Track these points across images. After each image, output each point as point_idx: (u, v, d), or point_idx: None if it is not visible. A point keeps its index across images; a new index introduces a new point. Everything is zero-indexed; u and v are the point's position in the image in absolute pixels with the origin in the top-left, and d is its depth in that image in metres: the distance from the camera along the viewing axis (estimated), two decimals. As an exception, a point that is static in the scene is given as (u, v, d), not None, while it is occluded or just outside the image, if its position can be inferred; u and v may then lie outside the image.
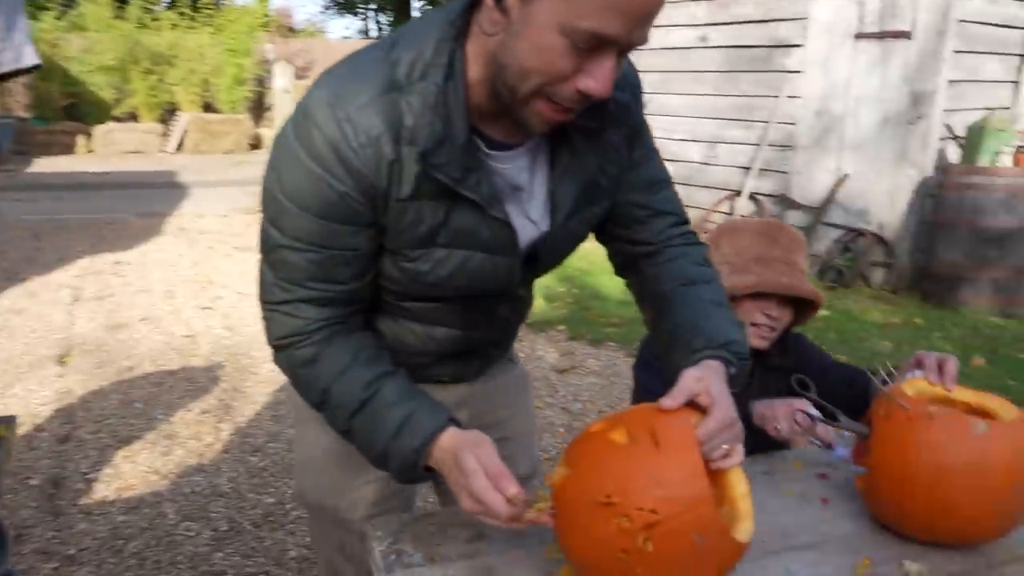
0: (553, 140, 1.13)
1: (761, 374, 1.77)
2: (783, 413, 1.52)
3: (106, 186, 10.62)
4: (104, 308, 5.25)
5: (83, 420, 3.57)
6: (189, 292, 5.71)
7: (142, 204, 9.18)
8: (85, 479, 3.07)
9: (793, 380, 1.42)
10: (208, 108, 15.73)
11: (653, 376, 1.73)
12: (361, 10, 33.30)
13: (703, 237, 1.46)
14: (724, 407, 1.03)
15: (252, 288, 3.08)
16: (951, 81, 5.99)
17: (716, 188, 7.49)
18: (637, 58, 3.71)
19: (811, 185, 6.67)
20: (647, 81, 1.70)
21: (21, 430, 3.40)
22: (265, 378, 4.13)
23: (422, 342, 1.28)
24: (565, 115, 0.99)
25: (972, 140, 5.78)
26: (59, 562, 2.55)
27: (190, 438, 3.45)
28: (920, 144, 6.00)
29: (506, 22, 0.93)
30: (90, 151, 14.04)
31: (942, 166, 5.93)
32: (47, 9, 15.11)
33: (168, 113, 15.37)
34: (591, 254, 2.04)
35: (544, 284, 5.60)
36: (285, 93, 13.70)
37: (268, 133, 15.48)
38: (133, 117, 15.11)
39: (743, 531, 1.02)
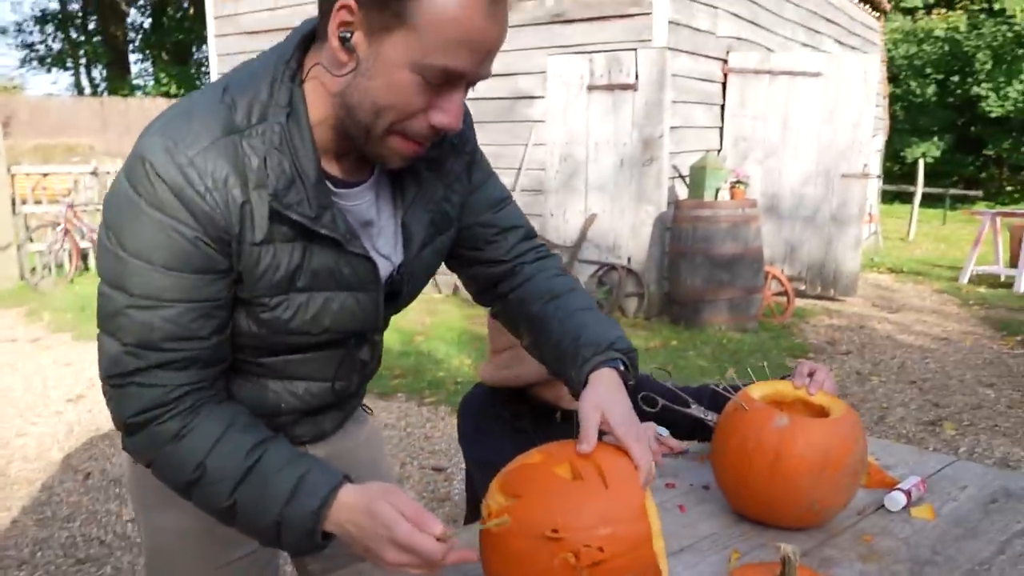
0: (395, 173, 1.13)
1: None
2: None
3: None
4: None
5: None
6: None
7: None
8: None
9: (640, 399, 1.53)
10: None
11: (479, 447, 1.76)
12: (71, 65, 30.61)
13: None
14: (634, 436, 1.06)
15: None
16: (672, 127, 6.75)
17: (476, 235, 7.75)
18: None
19: (564, 226, 7.14)
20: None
21: None
22: (16, 477, 3.63)
23: (283, 400, 1.20)
24: (420, 149, 1.02)
25: (695, 178, 6.53)
26: None
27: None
28: (654, 183, 6.67)
29: (354, 62, 0.94)
30: None
31: (674, 202, 6.64)
32: None
33: None
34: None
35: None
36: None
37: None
38: None
39: (664, 570, 1.06)
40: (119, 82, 27.59)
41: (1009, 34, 19.79)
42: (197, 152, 0.95)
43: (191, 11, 28.44)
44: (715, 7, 7.31)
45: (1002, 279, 8.75)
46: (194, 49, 29.78)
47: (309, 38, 1.03)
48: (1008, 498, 1.47)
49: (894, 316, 7.19)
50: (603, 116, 6.83)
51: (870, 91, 7.33)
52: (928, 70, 21.63)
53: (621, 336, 1.21)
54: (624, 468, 1.03)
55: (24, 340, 6.44)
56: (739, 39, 7.79)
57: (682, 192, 6.90)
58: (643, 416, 1.71)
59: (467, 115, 1.21)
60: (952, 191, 17.42)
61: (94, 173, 9.82)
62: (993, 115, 20.36)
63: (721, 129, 7.67)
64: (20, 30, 30.79)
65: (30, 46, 30.27)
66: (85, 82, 30.90)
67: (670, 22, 6.58)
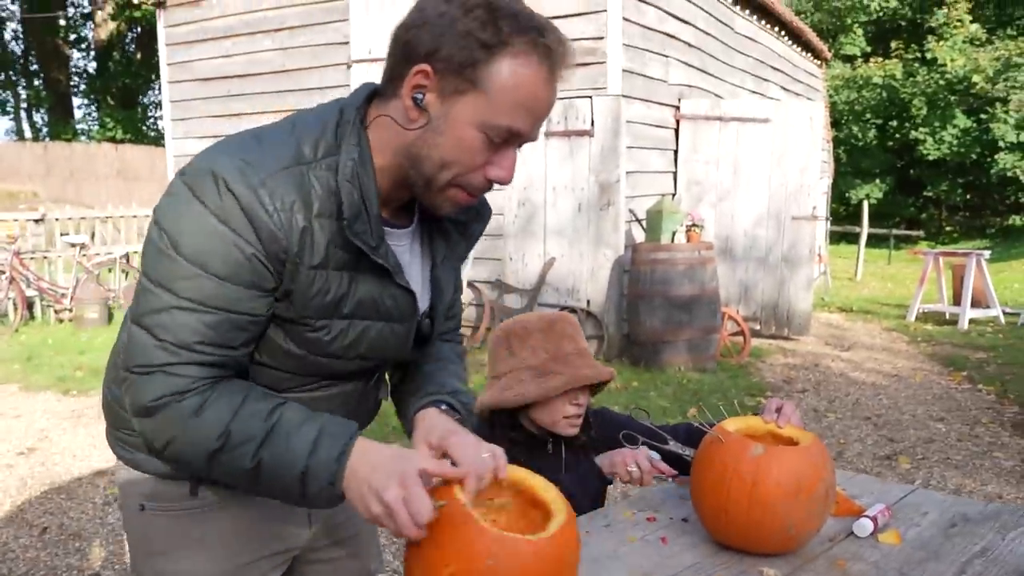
0: (426, 228, 1.23)
1: (567, 453, 1.90)
2: (630, 459, 1.67)
3: None
4: None
5: None
6: None
7: None
8: None
9: (621, 436, 1.58)
10: None
11: None
12: (11, 109, 30.09)
13: None
14: (460, 445, 1.11)
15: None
16: (628, 172, 6.92)
17: (436, 278, 7.79)
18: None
19: (523, 269, 7.22)
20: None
21: None
22: (-30, 535, 3.51)
23: None
24: (473, 200, 1.13)
25: (652, 222, 6.68)
26: None
27: None
28: (612, 227, 6.81)
29: (425, 119, 1.05)
30: None
31: (631, 245, 6.77)
32: None
33: None
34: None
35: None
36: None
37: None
38: None
39: (555, 523, 1.07)
40: (62, 126, 27.21)
41: (941, 82, 20.73)
42: (268, 175, 1.04)
43: (138, 56, 28.31)
44: (667, 56, 7.56)
45: (947, 316, 9.06)
46: (142, 94, 29.58)
47: (375, 92, 1.13)
48: (966, 523, 1.55)
49: (846, 354, 7.38)
50: (560, 161, 6.97)
51: (816, 136, 7.61)
52: (868, 115, 22.49)
53: (466, 392, 1.32)
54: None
55: (-29, 392, 6.25)
56: (690, 86, 8.05)
57: (639, 236, 7.05)
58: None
59: None
60: (895, 231, 18.04)
61: (40, 220, 9.65)
62: (931, 158, 21.21)
63: (675, 174, 7.88)
64: (-41, 73, 30.31)
65: (-32, 89, 29.74)
66: (26, 126, 30.39)
67: (624, 70, 6.79)
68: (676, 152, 7.85)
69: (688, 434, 1.78)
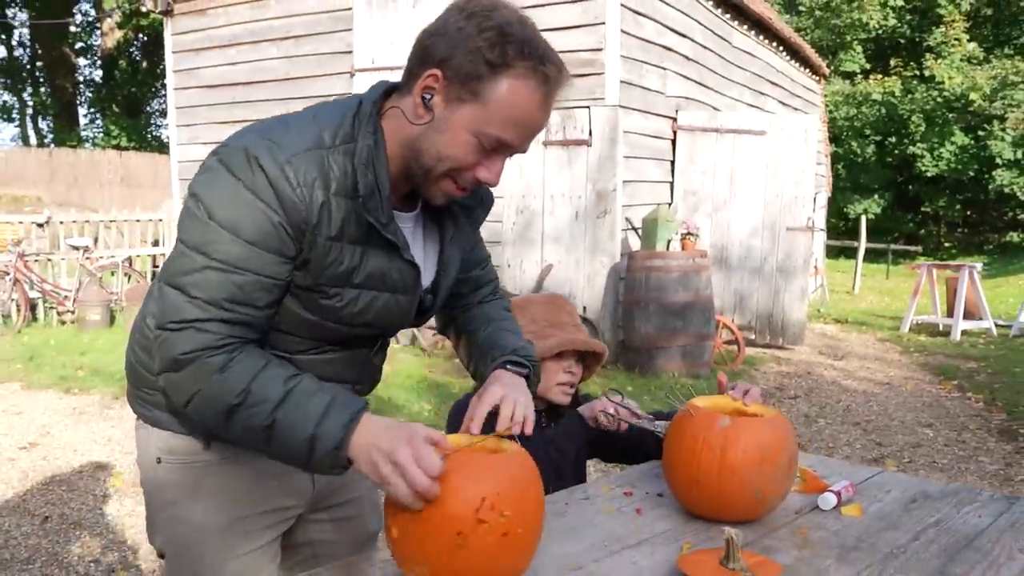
0: (434, 213, 1.37)
1: (558, 426, 2.00)
2: (604, 404, 1.83)
3: None
4: None
5: None
6: None
7: None
8: None
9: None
10: None
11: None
12: (17, 116, 30.29)
13: None
14: (499, 393, 1.31)
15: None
16: (625, 181, 7.03)
17: (434, 284, 7.89)
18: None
19: (521, 276, 7.32)
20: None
21: None
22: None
23: None
24: (462, 193, 1.27)
25: (648, 230, 6.78)
26: None
27: None
28: (608, 235, 6.91)
29: (429, 117, 1.18)
30: None
31: (627, 253, 6.87)
32: None
33: None
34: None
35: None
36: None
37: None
38: None
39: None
40: (67, 134, 27.39)
41: (939, 99, 20.89)
42: (293, 155, 1.16)
43: (144, 64, 28.52)
44: (664, 68, 7.68)
45: (940, 328, 9.14)
46: (147, 102, 29.76)
47: (391, 88, 1.27)
48: (926, 499, 1.64)
49: (839, 363, 7.46)
50: (558, 170, 7.08)
51: (811, 149, 7.72)
52: (867, 131, 22.64)
53: (526, 346, 1.49)
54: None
55: (-27, 390, 6.34)
56: (687, 98, 8.17)
57: (635, 243, 7.15)
58: (602, 430, 1.89)
59: None
60: (894, 246, 18.14)
61: (45, 223, 9.76)
62: (929, 174, 21.33)
63: (671, 184, 7.99)
64: (-35, 81, 30.53)
65: (-26, 96, 29.92)
66: (32, 133, 30.57)
67: (622, 81, 6.91)
68: (673, 163, 7.97)
69: (660, 419, 1.88)
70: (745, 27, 9.61)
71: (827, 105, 18.39)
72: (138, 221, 10.58)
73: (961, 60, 21.39)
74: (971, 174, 20.79)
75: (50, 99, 29.22)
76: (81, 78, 30.71)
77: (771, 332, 7.87)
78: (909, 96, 21.78)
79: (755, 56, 10.11)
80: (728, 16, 9.08)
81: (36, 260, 9.25)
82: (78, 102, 30.32)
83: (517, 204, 7.29)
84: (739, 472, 1.43)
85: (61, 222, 9.97)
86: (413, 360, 7.12)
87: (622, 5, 6.89)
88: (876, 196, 22.86)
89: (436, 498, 1.08)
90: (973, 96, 19.87)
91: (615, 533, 1.47)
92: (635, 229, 7.15)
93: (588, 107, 6.88)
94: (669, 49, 7.78)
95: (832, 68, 20.22)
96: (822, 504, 1.57)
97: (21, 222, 9.72)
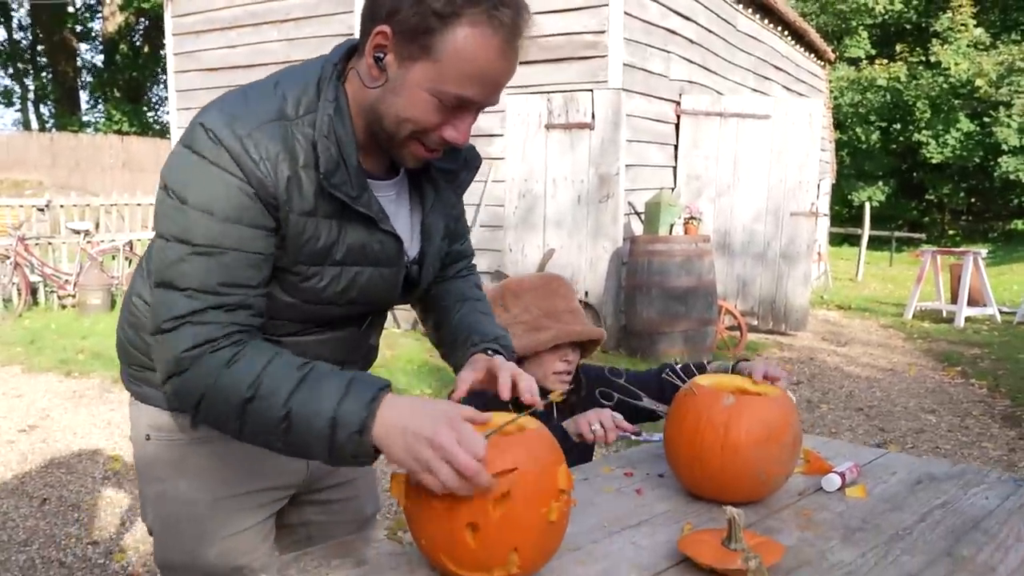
0: (416, 178, 1.30)
1: (559, 414, 1.96)
2: (593, 418, 1.72)
3: None
4: None
5: None
6: None
7: None
8: None
9: (606, 370, 1.64)
10: None
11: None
12: (18, 100, 30.20)
13: None
14: (502, 366, 1.24)
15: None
16: (628, 165, 6.97)
17: (436, 269, 7.86)
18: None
19: (523, 260, 7.28)
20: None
21: None
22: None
23: None
24: (433, 155, 1.19)
25: (650, 214, 6.74)
26: None
27: None
28: (611, 219, 6.86)
29: (384, 78, 1.11)
30: None
31: (630, 237, 6.83)
32: None
33: None
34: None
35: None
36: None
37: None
38: None
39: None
40: (68, 118, 27.32)
41: (945, 85, 20.76)
42: (253, 128, 1.10)
43: (145, 48, 28.41)
44: (668, 51, 7.61)
45: (944, 314, 9.10)
46: (148, 86, 29.66)
47: (355, 47, 1.19)
48: (932, 480, 1.61)
49: (842, 349, 7.43)
50: (560, 154, 7.03)
51: (815, 133, 7.66)
52: (872, 118, 22.53)
53: (505, 335, 1.42)
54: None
55: (-26, 373, 6.33)
56: (691, 82, 8.10)
57: (637, 228, 7.10)
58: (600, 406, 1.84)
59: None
60: (897, 234, 18.07)
61: (45, 207, 9.72)
62: (934, 161, 21.24)
63: (675, 168, 7.93)
64: (-34, 65, 30.41)
65: (-24, 81, 29.83)
66: (33, 118, 30.50)
67: (625, 64, 6.84)
68: (676, 147, 7.91)
69: (660, 388, 1.84)
70: (750, 10, 9.52)
71: (832, 91, 18.26)
72: (139, 205, 10.54)
73: (968, 46, 21.22)
74: (976, 161, 20.69)
75: (51, 84, 29.12)
76: (82, 62, 30.61)
77: (774, 318, 7.83)
78: (914, 82, 21.65)
79: (760, 40, 10.02)
80: (733, -1, 9.01)
81: (37, 244, 9.23)
82: (80, 87, 30.23)
83: (519, 188, 7.24)
84: (742, 451, 1.40)
85: (62, 206, 9.93)
86: (414, 344, 7.09)
87: (626, -13, 6.82)
88: (880, 183, 22.77)
89: (521, 481, 1.03)
90: (979, 82, 19.74)
91: (615, 514, 1.44)
92: (638, 213, 7.10)
93: (591, 90, 6.83)
94: (673, 32, 7.70)
95: (837, 53, 20.06)
96: (826, 485, 1.54)
97: (22, 206, 9.68)
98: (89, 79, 30.83)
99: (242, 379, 1.07)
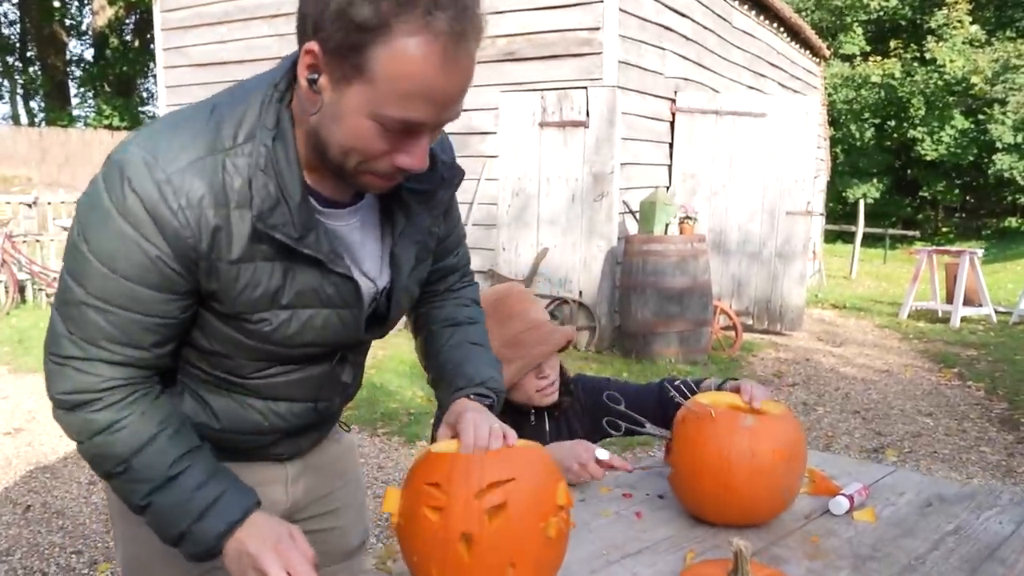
0: (384, 200, 1.17)
1: (549, 422, 1.90)
2: (575, 456, 1.60)
3: None
4: None
5: None
6: None
7: None
8: None
9: (605, 396, 1.57)
10: None
11: None
12: (6, 93, 29.94)
13: None
14: (469, 429, 1.14)
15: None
16: (622, 163, 6.91)
17: (429, 268, 7.79)
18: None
19: (516, 259, 7.21)
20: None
21: None
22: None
23: (266, 419, 1.22)
24: (394, 182, 1.06)
25: (645, 213, 6.67)
26: None
27: None
28: (605, 218, 6.80)
29: (320, 102, 0.96)
30: None
31: (624, 237, 6.76)
32: None
33: None
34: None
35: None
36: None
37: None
38: None
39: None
40: (58, 113, 27.07)
41: (940, 82, 20.72)
42: (176, 170, 0.97)
43: (136, 43, 28.20)
44: (663, 48, 7.54)
45: (939, 314, 9.06)
46: (139, 81, 29.47)
47: None
48: (942, 502, 1.55)
49: (838, 350, 7.38)
50: (555, 152, 6.96)
51: (811, 131, 7.60)
52: (866, 114, 22.49)
53: (495, 377, 1.32)
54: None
55: (-40, 373, 6.23)
56: (686, 80, 8.03)
57: (632, 227, 7.04)
58: (606, 435, 1.76)
59: (450, 147, 1.24)
60: (891, 231, 18.05)
61: (33, 204, 9.61)
62: (928, 158, 21.22)
63: (670, 167, 7.86)
64: (-45, 58, 30.07)
65: (-36, 74, 29.56)
66: (22, 112, 30.25)
67: (620, 62, 6.77)
68: (671, 145, 7.84)
69: (659, 403, 1.77)
70: (745, 7, 9.45)
71: (826, 88, 18.23)
72: (129, 202, 10.41)
73: (963, 43, 21.19)
74: (971, 158, 20.67)
75: (41, 78, 28.87)
76: (72, 56, 30.35)
77: (769, 318, 7.78)
78: (909, 79, 21.61)
79: (755, 37, 9.95)
80: (728, -4, 8.94)
81: (25, 241, 9.12)
82: (70, 80, 29.97)
83: (513, 186, 7.17)
84: (770, 473, 1.36)
85: (49, 203, 9.81)
86: (407, 345, 7.01)
87: (621, -17, 6.74)
88: (874, 180, 22.74)
89: (517, 493, 1.04)
90: (974, 79, 19.71)
91: (614, 540, 1.38)
92: (632, 212, 7.03)
93: (585, 88, 6.75)
94: (668, 28, 7.63)
95: (832, 50, 20.00)
96: (834, 508, 1.48)
97: (9, 203, 9.56)
98: (79, 73, 30.59)
99: (113, 455, 1.06)
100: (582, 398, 1.92)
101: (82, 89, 30.87)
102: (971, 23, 21.61)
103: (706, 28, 8.46)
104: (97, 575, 3.00)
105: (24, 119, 29.68)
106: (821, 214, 12.81)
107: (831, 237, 19.12)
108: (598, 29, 6.70)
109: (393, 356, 6.49)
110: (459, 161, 1.24)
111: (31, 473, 4.06)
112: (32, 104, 30.69)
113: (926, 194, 23.11)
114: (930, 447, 4.54)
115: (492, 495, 1.03)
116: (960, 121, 20.62)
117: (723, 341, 7.07)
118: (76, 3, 29.01)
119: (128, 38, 28.85)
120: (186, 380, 1.19)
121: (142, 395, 1.08)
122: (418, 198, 1.16)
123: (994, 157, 19.91)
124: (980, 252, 8.94)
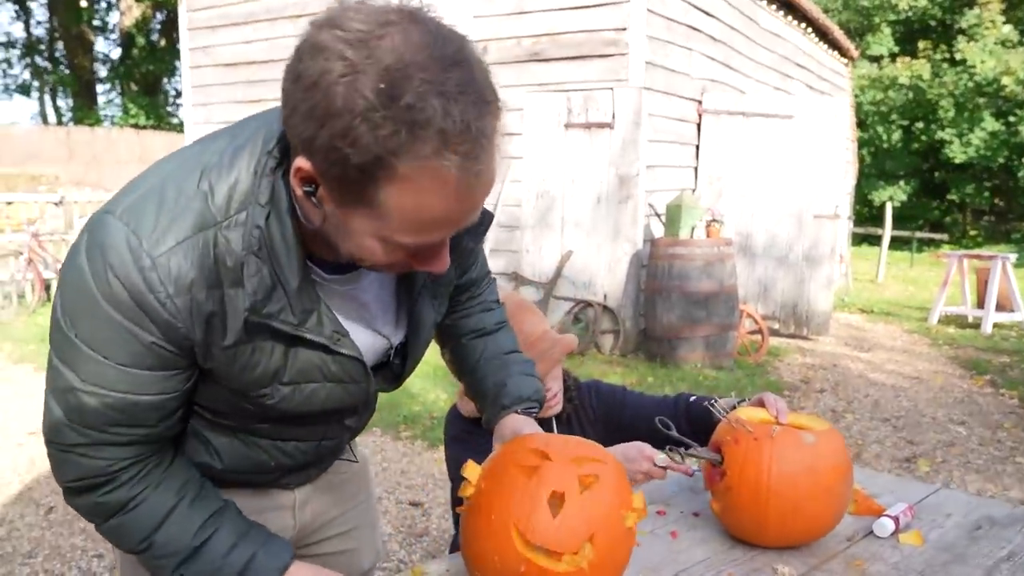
0: None
1: (560, 427, 1.83)
2: (640, 456, 1.57)
3: None
4: None
5: None
6: None
7: None
8: None
9: (657, 421, 1.51)
10: None
11: (464, 449, 1.75)
12: (35, 93, 30.34)
13: None
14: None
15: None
16: (648, 166, 6.83)
17: (451, 269, 7.76)
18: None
19: (540, 262, 7.16)
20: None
21: None
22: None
23: (273, 458, 1.18)
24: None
25: (671, 216, 6.59)
26: None
27: None
28: (630, 221, 6.73)
29: (321, 214, 0.87)
30: None
31: (650, 240, 6.69)
32: None
33: None
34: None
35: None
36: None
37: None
38: None
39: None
40: (85, 112, 27.38)
41: (970, 83, 20.39)
42: (162, 253, 0.88)
43: (162, 42, 28.47)
44: (690, 48, 7.46)
45: (970, 320, 8.90)
46: (165, 80, 29.75)
47: None
48: (992, 525, 1.48)
49: (866, 355, 7.26)
50: (580, 154, 6.90)
51: (840, 134, 7.48)
52: (894, 116, 22.19)
53: (537, 388, 1.34)
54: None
55: (-14, 371, 6.28)
56: (713, 81, 7.94)
57: (658, 230, 6.96)
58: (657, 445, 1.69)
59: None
60: (919, 234, 17.78)
61: (60, 203, 9.69)
62: (957, 161, 20.88)
63: (696, 168, 7.78)
64: (-17, 57, 30.48)
65: (-7, 73, 29.96)
66: (50, 111, 30.62)
67: (646, 62, 6.70)
68: (698, 147, 7.75)
69: (675, 417, 1.66)
70: (773, 7, 9.33)
71: (853, 89, 18.00)
72: (154, 201, 10.48)
73: (995, 43, 20.84)
74: (1000, 161, 20.32)
75: (69, 77, 29.22)
76: (99, 56, 30.71)
77: (795, 322, 7.67)
78: (938, 80, 21.28)
79: (782, 38, 9.83)
80: (756, -4, 8.83)
81: (51, 240, 9.20)
82: (97, 80, 30.31)
83: (537, 188, 7.12)
84: (833, 490, 1.33)
85: (75, 202, 9.90)
86: (430, 347, 6.98)
87: (648, -17, 6.67)
88: (901, 183, 22.43)
89: (607, 475, 1.10)
90: (1006, 80, 19.36)
91: (651, 562, 1.32)
92: (658, 215, 6.96)
93: (611, 89, 6.68)
94: (695, 29, 7.55)
95: (859, 51, 19.77)
96: (878, 531, 1.42)
97: (35, 201, 9.65)
98: (105, 72, 30.94)
99: (134, 532, 1.01)
100: (595, 406, 1.86)
101: (109, 88, 31.22)
102: (1004, 23, 21.24)
103: (733, 28, 8.36)
104: (119, 578, 2.99)
105: (52, 118, 30.05)
106: (849, 217, 12.64)
107: (857, 240, 18.87)
108: (625, 29, 6.63)
109: (415, 358, 6.46)
110: None
111: (55, 473, 4.07)
112: (60, 103, 31.05)
113: (954, 197, 22.75)
114: (963, 457, 4.44)
115: (588, 465, 1.10)
116: (990, 123, 20.26)
117: (749, 346, 6.97)
118: (104, 3, 29.28)
119: (155, 38, 29.12)
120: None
121: (154, 466, 1.02)
122: None
123: (1024, 159, 19.58)
124: (1012, 257, 8.75)
